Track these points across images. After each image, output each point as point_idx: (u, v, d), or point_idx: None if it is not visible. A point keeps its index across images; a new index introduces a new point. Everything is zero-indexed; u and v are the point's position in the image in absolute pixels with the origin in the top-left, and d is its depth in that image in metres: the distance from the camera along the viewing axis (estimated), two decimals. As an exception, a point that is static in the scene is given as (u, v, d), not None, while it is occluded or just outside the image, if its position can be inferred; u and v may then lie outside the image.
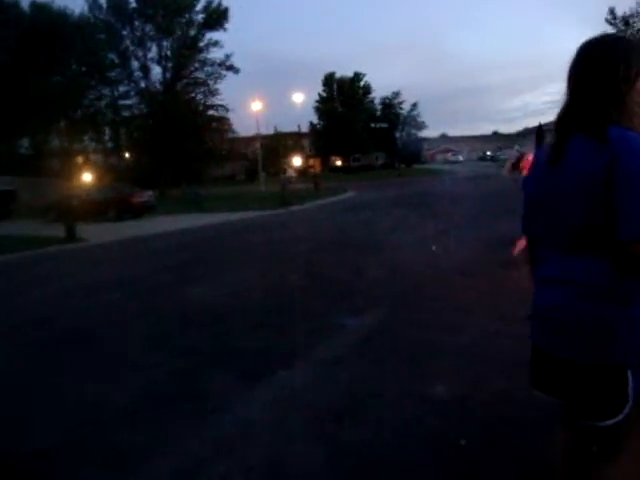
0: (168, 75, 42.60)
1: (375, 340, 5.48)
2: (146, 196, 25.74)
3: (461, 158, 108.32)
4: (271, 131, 64.15)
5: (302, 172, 57.50)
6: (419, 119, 78.74)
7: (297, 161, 59.06)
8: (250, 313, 6.80)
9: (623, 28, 41.53)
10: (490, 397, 3.93)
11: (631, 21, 41.36)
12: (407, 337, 5.47)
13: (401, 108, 78.03)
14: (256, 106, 41.60)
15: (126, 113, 42.35)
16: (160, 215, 24.19)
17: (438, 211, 18.51)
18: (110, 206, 23.50)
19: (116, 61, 40.79)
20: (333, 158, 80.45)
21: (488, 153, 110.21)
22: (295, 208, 25.23)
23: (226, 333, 6.03)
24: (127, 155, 43.45)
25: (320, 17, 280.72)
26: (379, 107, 79.28)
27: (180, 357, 5.33)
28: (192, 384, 4.61)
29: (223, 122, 43.45)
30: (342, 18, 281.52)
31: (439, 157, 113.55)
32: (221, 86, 44.16)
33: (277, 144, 61.24)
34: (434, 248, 10.47)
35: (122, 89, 42.16)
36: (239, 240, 15.28)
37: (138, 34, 41.30)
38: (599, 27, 39.84)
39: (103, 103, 41.46)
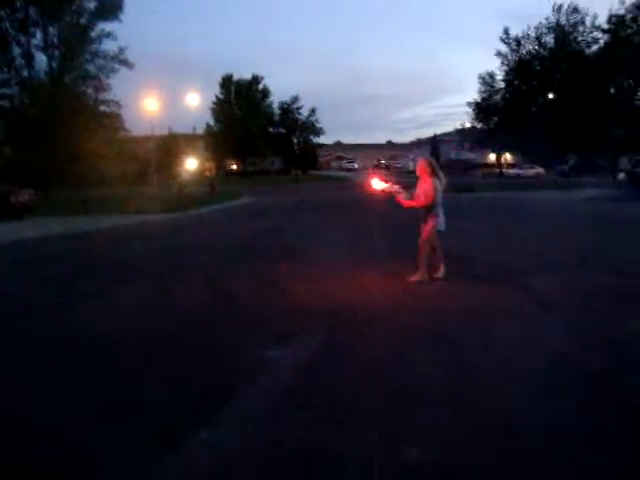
0: (55, 65, 39.56)
1: (311, 380, 4.53)
2: (27, 195, 23.46)
3: (356, 166, 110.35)
4: (165, 132, 61.87)
5: (197, 175, 55.71)
6: (317, 125, 78.69)
7: (192, 164, 57.13)
8: (146, 345, 5.61)
9: (515, 48, 43.56)
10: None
11: (522, 42, 43.43)
12: (349, 374, 4.59)
13: (299, 113, 77.72)
14: (150, 104, 39.66)
15: (5, 103, 38.95)
16: (43, 217, 22.06)
17: (340, 218, 18.02)
18: (-17, 205, 21.18)
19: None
20: (229, 162, 78.97)
21: (383, 161, 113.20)
22: (192, 212, 23.95)
23: (116, 377, 4.81)
24: (5, 150, 39.93)
25: (219, 18, 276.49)
26: (277, 112, 78.65)
27: (51, 414, 4.10)
28: (77, 453, 3.44)
29: (115, 119, 41.04)
30: (242, 20, 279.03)
31: (334, 164, 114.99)
32: (113, 81, 41.47)
33: (171, 145, 59.01)
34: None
35: (0, 77, 38.74)
36: (131, 247, 13.75)
37: (20, 16, 38.01)
38: (492, 45, 41.18)
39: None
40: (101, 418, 3.95)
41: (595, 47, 41.24)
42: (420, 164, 8.48)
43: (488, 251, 10.74)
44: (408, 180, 8.70)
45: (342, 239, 13.07)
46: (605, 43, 36.61)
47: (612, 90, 41.43)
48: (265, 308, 6.91)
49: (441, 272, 8.19)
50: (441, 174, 8.34)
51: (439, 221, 8.19)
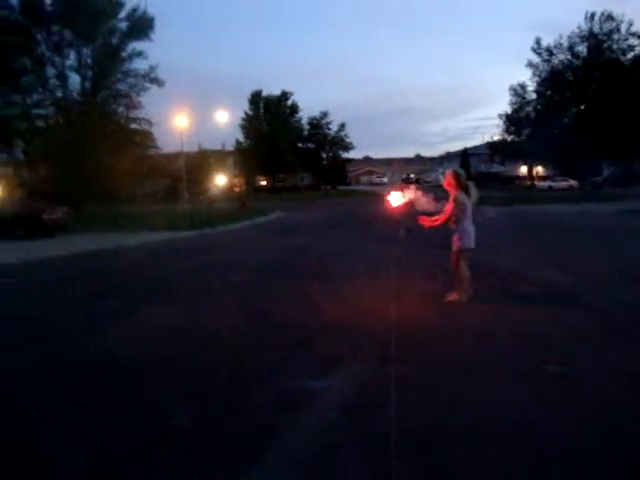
0: (88, 85, 39.94)
1: (363, 418, 4.10)
2: (59, 212, 23.52)
3: (385, 180, 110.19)
4: (195, 149, 62.27)
5: (227, 191, 55.87)
6: (347, 140, 78.44)
7: (221, 180, 57.29)
8: (176, 373, 5.26)
9: (547, 58, 42.85)
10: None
11: (555, 51, 42.71)
12: (407, 410, 4.17)
13: (329, 128, 77.54)
14: (181, 121, 39.82)
15: (40, 123, 39.46)
16: (74, 234, 22.11)
17: (373, 234, 17.65)
18: (18, 223, 21.30)
19: (29, 66, 37.90)
20: (258, 178, 79.11)
21: (412, 175, 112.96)
22: (221, 229, 23.84)
23: (143, 408, 4.50)
24: (40, 168, 40.48)
25: (248, 35, 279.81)
26: (306, 127, 78.62)
27: (75, 449, 3.78)
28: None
29: (146, 137, 41.26)
30: (270, 37, 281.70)
31: (363, 179, 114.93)
32: (144, 99, 41.70)
33: (201, 162, 59.35)
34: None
35: (36, 97, 39.29)
36: (162, 265, 13.50)
37: (55, 39, 38.61)
38: (522, 57, 40.58)
39: (13, 112, 38.46)
40: (128, 458, 3.64)
41: (631, 54, 40.41)
42: (447, 177, 8.01)
43: (530, 267, 10.27)
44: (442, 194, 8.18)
45: (376, 256, 12.70)
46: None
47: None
48: (304, 331, 6.54)
49: (461, 295, 7.72)
50: (471, 187, 7.84)
51: (466, 237, 7.69)
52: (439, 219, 7.88)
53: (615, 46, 41.42)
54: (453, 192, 7.77)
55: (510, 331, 6.22)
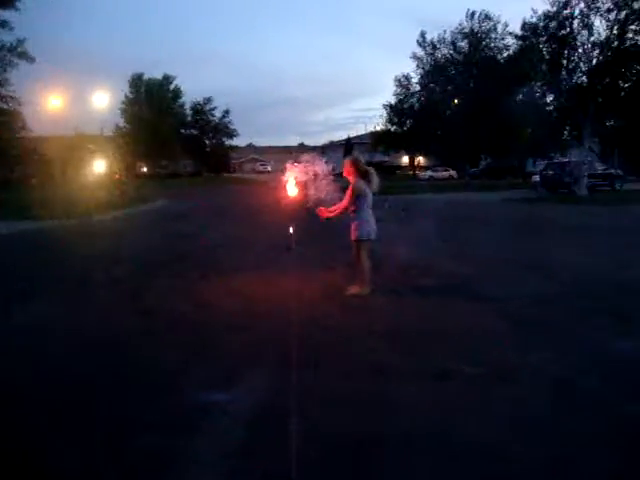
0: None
1: (267, 438, 3.61)
2: None
3: (269, 168, 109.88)
4: (71, 132, 58.60)
5: (106, 178, 53.08)
6: (231, 127, 77.17)
7: (100, 166, 54.36)
8: (43, 388, 4.50)
9: (431, 52, 44.15)
10: None
11: (438, 46, 44.11)
12: (318, 425, 3.72)
13: (212, 115, 75.93)
14: (54, 102, 37.24)
15: None
16: None
17: (263, 223, 17.11)
18: None
19: None
20: (139, 164, 76.09)
21: (295, 164, 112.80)
22: (101, 217, 22.33)
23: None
24: None
25: (131, 16, 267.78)
26: (189, 113, 76.52)
27: None
28: None
29: (14, 117, 38.17)
30: (155, 19, 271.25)
31: (247, 166, 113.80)
32: (12, 76, 38.54)
33: (78, 146, 55.97)
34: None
35: None
36: (37, 256, 12.17)
37: None
38: (407, 49, 41.50)
39: None
40: None
41: (506, 54, 42.40)
42: (345, 165, 7.65)
43: (429, 258, 10.16)
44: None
45: (270, 246, 12.17)
46: (515, 49, 37.57)
47: (520, 96, 42.56)
48: (197, 333, 5.94)
49: (362, 288, 7.39)
50: (372, 174, 7.44)
51: (364, 227, 7.34)
52: (337, 209, 7.51)
53: (492, 44, 43.42)
54: (352, 180, 7.44)
55: (418, 328, 5.94)
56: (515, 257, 10.38)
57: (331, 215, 7.59)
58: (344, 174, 7.59)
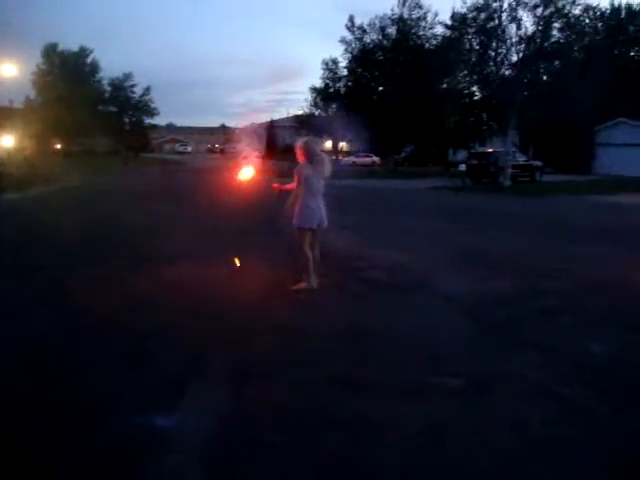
0: None
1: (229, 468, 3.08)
2: None
3: (189, 149, 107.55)
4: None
5: (15, 154, 50.02)
6: (151, 105, 74.42)
7: (8, 141, 51.19)
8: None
9: (360, 36, 43.86)
10: None
11: (367, 30, 43.88)
12: (281, 451, 3.19)
13: (132, 92, 72.98)
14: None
15: None
16: None
17: (190, 206, 16.34)
18: None
19: None
20: (52, 140, 72.29)
21: (217, 145, 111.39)
22: (9, 197, 20.71)
23: None
24: None
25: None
26: (108, 89, 73.25)
27: None
28: None
29: None
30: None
31: (167, 147, 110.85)
32: None
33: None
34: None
35: None
36: None
37: None
38: (335, 33, 41.19)
39: None
40: None
41: (434, 42, 42.62)
42: (297, 149, 7.16)
43: (373, 249, 9.77)
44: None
45: (203, 233, 11.46)
46: (444, 39, 37.80)
47: (445, 85, 43.13)
48: (132, 337, 5.24)
49: (309, 281, 6.92)
50: (320, 158, 6.96)
51: (304, 215, 6.85)
52: (288, 187, 7.06)
53: (421, 33, 43.63)
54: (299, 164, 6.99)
55: (377, 330, 5.49)
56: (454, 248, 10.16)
57: (284, 189, 7.21)
58: (297, 158, 7.08)
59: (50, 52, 69.67)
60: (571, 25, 29.40)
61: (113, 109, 73.57)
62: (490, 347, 5.06)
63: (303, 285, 6.90)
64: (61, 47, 70.37)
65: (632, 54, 46.42)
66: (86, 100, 66.54)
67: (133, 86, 73.54)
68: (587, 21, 36.75)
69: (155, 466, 3.07)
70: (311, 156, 6.96)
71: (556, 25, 29.02)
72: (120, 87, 72.81)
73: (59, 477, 3.03)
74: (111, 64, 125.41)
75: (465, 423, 3.61)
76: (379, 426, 3.56)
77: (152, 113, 75.37)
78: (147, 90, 73.61)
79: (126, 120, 74.99)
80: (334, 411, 3.76)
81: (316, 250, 7.00)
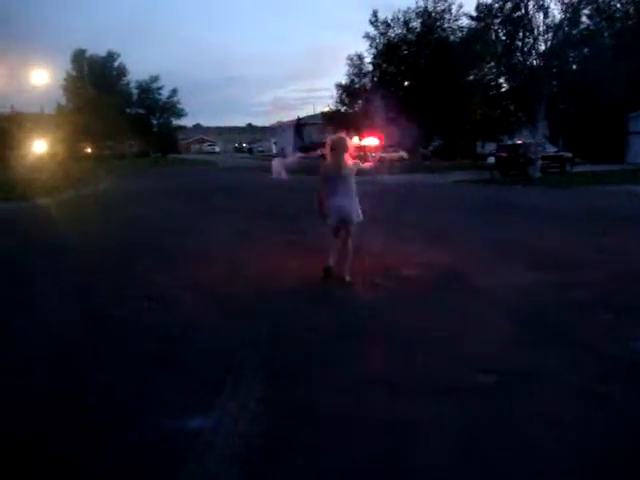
0: None
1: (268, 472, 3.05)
2: None
3: (217, 149, 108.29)
4: (7, 110, 55.92)
5: (48, 159, 50.88)
6: (178, 106, 75.13)
7: (41, 146, 52.15)
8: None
9: (384, 31, 43.55)
10: None
11: (392, 24, 43.51)
12: (322, 454, 3.16)
13: (159, 94, 73.76)
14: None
15: None
16: None
17: (221, 207, 16.48)
18: None
19: None
20: (82, 145, 73.36)
21: (244, 145, 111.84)
22: (42, 201, 21.03)
23: None
24: None
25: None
26: (135, 91, 74.10)
27: None
28: None
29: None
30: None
31: (194, 147, 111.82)
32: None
33: (15, 125, 53.43)
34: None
35: None
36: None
37: None
38: (360, 28, 41.02)
39: None
40: None
41: (460, 35, 42.09)
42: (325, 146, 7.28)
43: (404, 244, 9.71)
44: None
45: (237, 232, 11.55)
46: (469, 30, 37.35)
47: (472, 77, 42.64)
48: (163, 340, 5.26)
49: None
50: (342, 156, 6.96)
51: (329, 212, 7.01)
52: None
53: (446, 25, 43.16)
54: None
55: (415, 328, 5.43)
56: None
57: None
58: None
59: (79, 58, 70.79)
60: (601, 11, 28.82)
61: (141, 112, 74.39)
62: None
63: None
64: (89, 52, 71.48)
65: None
66: (114, 104, 67.43)
67: (160, 88, 74.41)
68: (618, 6, 35.78)
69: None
70: (330, 153, 7.02)
71: (585, 12, 28.48)
72: (147, 89, 73.64)
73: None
74: (138, 67, 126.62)
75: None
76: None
77: (179, 114, 76.17)
78: (174, 92, 74.41)
79: (154, 122, 75.76)
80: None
81: (349, 245, 7.07)
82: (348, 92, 48.31)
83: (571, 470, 3.06)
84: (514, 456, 3.17)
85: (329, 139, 7.26)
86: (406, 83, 45.24)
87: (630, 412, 3.69)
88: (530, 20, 27.85)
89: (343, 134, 7.92)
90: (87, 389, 4.14)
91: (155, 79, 73.80)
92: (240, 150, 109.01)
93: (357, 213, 7.06)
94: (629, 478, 3.05)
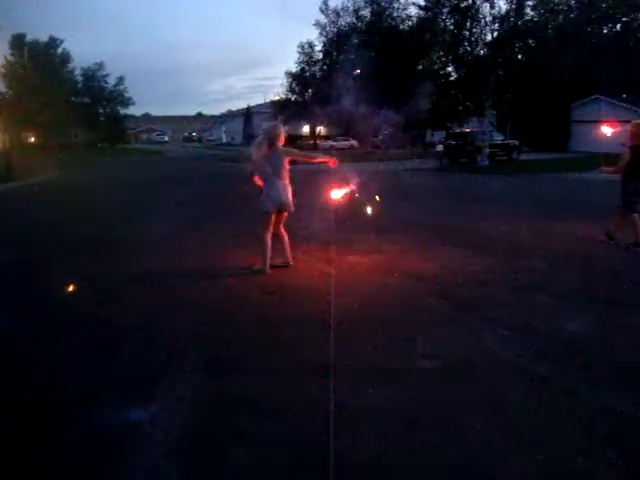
0: None
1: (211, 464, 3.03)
2: None
3: (167, 138, 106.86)
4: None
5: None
6: (126, 95, 73.50)
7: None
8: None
9: (334, 19, 43.67)
10: None
11: (341, 13, 43.69)
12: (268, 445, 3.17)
13: (106, 82, 71.97)
14: None
15: None
16: None
17: (167, 198, 16.25)
18: None
19: None
20: (26, 134, 71.19)
21: (194, 134, 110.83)
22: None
23: None
24: None
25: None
26: (80, 79, 72.10)
27: None
28: None
29: None
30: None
31: (143, 136, 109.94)
32: None
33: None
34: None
35: None
36: None
37: None
38: (309, 16, 40.77)
39: None
40: None
41: (409, 24, 42.49)
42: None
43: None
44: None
45: (191, 222, 11.42)
46: (418, 19, 37.71)
47: (420, 66, 43.06)
48: (109, 329, 5.17)
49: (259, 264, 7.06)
50: (274, 145, 6.93)
51: (265, 200, 6.94)
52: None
53: (395, 14, 43.47)
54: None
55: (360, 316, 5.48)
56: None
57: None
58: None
59: (18, 42, 68.22)
60: (543, 3, 29.50)
61: (87, 100, 72.55)
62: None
63: (256, 266, 7.07)
64: (29, 37, 69.01)
65: (605, 31, 46.68)
66: (58, 92, 65.46)
67: (106, 76, 72.62)
68: (558, -1, 36.72)
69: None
70: (270, 142, 7.02)
71: (529, 3, 29.12)
72: (93, 77, 71.81)
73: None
74: (83, 55, 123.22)
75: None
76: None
77: (127, 103, 74.57)
78: (120, 80, 72.79)
79: (100, 111, 74.04)
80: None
81: (283, 230, 7.21)
82: (298, 80, 48.24)
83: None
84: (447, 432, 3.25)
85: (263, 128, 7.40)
86: (357, 72, 45.44)
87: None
88: (477, 10, 28.33)
89: (277, 122, 7.96)
90: (24, 383, 4.05)
91: (100, 66, 71.94)
92: (190, 139, 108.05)
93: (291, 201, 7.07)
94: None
